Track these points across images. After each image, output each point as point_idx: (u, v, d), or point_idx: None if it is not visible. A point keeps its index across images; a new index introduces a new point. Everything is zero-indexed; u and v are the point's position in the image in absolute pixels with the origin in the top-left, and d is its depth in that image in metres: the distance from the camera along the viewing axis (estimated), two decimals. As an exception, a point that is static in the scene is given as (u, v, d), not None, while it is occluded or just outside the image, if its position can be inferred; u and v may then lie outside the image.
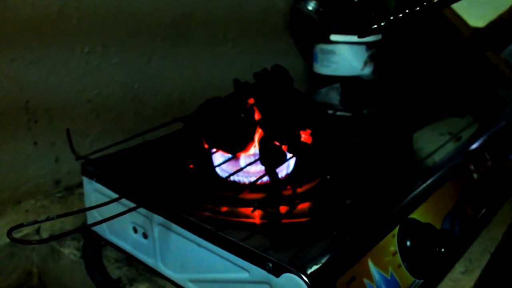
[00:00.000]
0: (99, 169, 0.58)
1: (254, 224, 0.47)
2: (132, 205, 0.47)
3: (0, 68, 0.62)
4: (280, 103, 0.55)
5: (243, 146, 0.54)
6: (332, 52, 1.02)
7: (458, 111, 0.84)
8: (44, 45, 0.66)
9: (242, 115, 0.53)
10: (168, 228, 0.49)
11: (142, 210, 0.51)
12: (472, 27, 1.00)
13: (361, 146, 0.66)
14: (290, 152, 0.53)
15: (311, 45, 1.05)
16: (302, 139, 0.55)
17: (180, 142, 0.63)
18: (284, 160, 0.53)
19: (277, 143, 0.53)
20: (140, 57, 0.78)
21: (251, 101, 0.56)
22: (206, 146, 0.56)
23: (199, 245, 0.46)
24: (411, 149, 0.69)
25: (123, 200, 0.51)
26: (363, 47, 1.01)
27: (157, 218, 0.50)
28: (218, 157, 0.56)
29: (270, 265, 0.40)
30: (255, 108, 0.54)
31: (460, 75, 1.00)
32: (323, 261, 0.40)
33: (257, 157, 0.54)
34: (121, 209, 0.46)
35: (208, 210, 0.48)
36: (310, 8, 1.00)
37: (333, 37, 0.99)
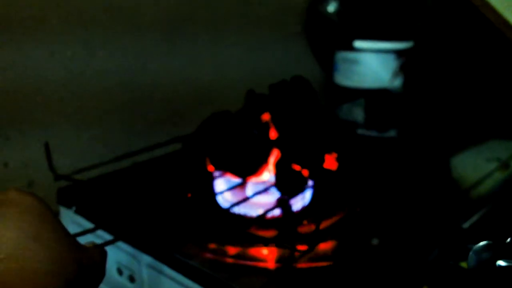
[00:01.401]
0: (78, 196, 0.57)
1: (265, 269, 0.44)
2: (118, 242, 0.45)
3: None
4: (301, 119, 0.53)
5: (255, 169, 0.52)
6: (355, 61, 1.00)
7: (505, 132, 0.82)
8: (20, 49, 0.64)
9: (255, 132, 0.52)
10: (160, 271, 0.47)
11: (128, 248, 0.49)
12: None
13: (388, 174, 0.64)
14: (312, 179, 0.51)
15: (331, 52, 1.04)
16: (326, 164, 0.53)
17: (176, 165, 0.61)
18: (304, 187, 0.51)
19: (297, 167, 0.51)
20: (132, 63, 0.76)
21: (266, 116, 0.54)
22: (211, 168, 0.54)
23: (197, 293, 0.44)
24: (449, 177, 0.66)
25: (105, 235, 0.49)
26: (392, 56, 0.99)
27: (146, 258, 0.48)
28: (222, 184, 0.54)
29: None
30: (270, 124, 0.52)
31: (508, 91, 0.98)
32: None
33: (267, 185, 0.52)
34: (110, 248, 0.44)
35: (209, 251, 0.46)
36: (330, 8, 0.99)
37: (357, 44, 0.98)
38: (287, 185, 0.51)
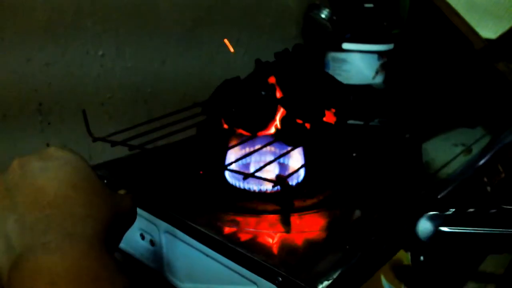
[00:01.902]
0: (108, 173, 0.56)
1: (263, 235, 0.43)
2: (140, 210, 0.45)
3: (15, 69, 0.59)
4: (302, 81, 0.51)
5: (264, 125, 0.50)
6: (344, 61, 0.98)
7: (469, 121, 0.80)
8: (60, 47, 0.63)
9: (263, 92, 0.50)
10: (175, 236, 0.46)
11: (149, 216, 0.48)
12: (484, 38, 0.96)
13: (372, 156, 0.62)
14: (313, 131, 0.49)
15: (323, 53, 1.02)
16: (326, 118, 0.52)
17: (191, 148, 0.60)
18: (307, 138, 0.49)
19: (299, 122, 0.49)
20: (154, 61, 0.75)
21: (272, 80, 0.52)
22: (225, 126, 0.52)
23: (206, 255, 0.43)
24: (420, 159, 0.65)
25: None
26: (375, 56, 0.97)
27: (164, 225, 0.47)
28: (231, 158, 0.53)
29: (280, 279, 0.37)
30: (276, 86, 0.51)
31: (472, 86, 0.96)
32: (335, 276, 0.37)
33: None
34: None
35: (217, 220, 0.45)
36: (323, 16, 0.97)
37: (345, 46, 0.96)
38: (291, 137, 0.49)
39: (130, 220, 0.38)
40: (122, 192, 0.39)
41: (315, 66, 0.55)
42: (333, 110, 0.53)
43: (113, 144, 0.54)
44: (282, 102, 0.50)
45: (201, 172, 0.54)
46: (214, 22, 0.83)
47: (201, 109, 0.57)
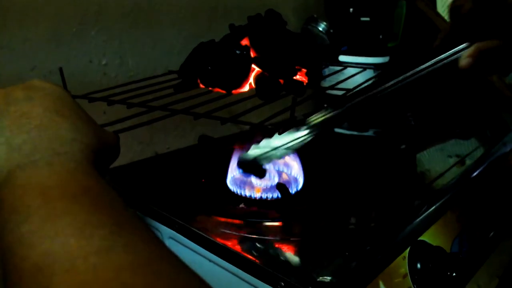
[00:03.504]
0: (110, 180, 0.56)
1: (266, 241, 0.44)
2: (143, 216, 0.45)
3: (21, 76, 0.60)
4: (275, 42, 0.52)
5: (239, 83, 0.51)
6: (340, 73, 1.00)
7: (463, 133, 0.82)
8: (64, 55, 0.64)
9: (238, 52, 0.51)
10: (179, 242, 0.47)
11: (153, 222, 0.49)
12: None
13: (367, 166, 0.64)
14: (286, 88, 0.50)
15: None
16: (298, 78, 0.53)
17: (192, 157, 0.61)
18: (280, 91, 0.50)
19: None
20: (156, 70, 0.76)
21: (246, 41, 0.53)
22: (201, 86, 0.53)
23: (209, 260, 0.44)
24: (414, 170, 0.66)
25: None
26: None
27: (168, 231, 0.48)
28: (232, 170, 0.54)
29: (282, 284, 0.38)
30: (250, 47, 0.51)
31: (465, 99, 0.98)
32: (335, 281, 0.38)
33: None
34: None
35: (221, 226, 0.46)
36: (320, 29, 0.99)
37: (342, 58, 0.98)
38: (266, 92, 0.49)
39: (113, 155, 0.37)
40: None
41: (286, 29, 0.55)
42: (304, 71, 0.54)
43: (91, 100, 0.53)
44: (256, 60, 0.51)
45: (203, 181, 0.55)
46: (214, 32, 0.84)
47: (178, 73, 0.57)
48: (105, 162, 0.36)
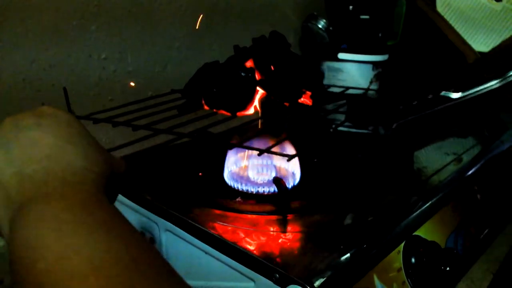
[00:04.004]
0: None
1: (262, 234, 0.45)
2: (140, 209, 0.46)
3: (20, 70, 0.60)
4: (280, 64, 0.52)
5: (244, 105, 0.51)
6: (339, 70, 1.00)
7: (460, 132, 0.82)
8: (64, 49, 0.64)
9: (243, 74, 0.51)
10: (175, 234, 0.47)
11: (150, 214, 0.50)
12: (477, 51, 0.98)
13: (365, 164, 0.64)
14: (292, 109, 0.51)
15: (319, 62, 1.04)
16: (303, 101, 0.53)
17: (189, 151, 0.61)
18: (286, 115, 0.50)
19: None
20: (156, 65, 0.77)
21: (250, 63, 0.53)
22: (206, 107, 0.53)
23: (205, 252, 0.44)
24: (411, 166, 0.67)
25: (131, 203, 0.49)
26: (370, 66, 1.00)
27: (165, 223, 0.48)
28: (231, 164, 0.55)
29: (277, 276, 0.38)
30: (255, 69, 0.52)
31: (464, 98, 0.99)
32: (329, 274, 0.38)
33: (266, 167, 0.52)
34: (128, 211, 0.44)
35: (218, 218, 0.47)
36: (320, 26, 0.99)
37: (341, 56, 0.98)
38: (271, 115, 0.50)
39: (121, 184, 0.37)
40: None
41: (290, 52, 0.56)
42: (309, 93, 0.54)
43: (96, 121, 0.53)
44: (261, 83, 0.51)
45: (200, 174, 0.56)
46: (214, 30, 0.85)
47: (181, 92, 0.57)
48: (114, 188, 0.36)
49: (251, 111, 0.52)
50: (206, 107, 0.53)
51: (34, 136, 0.31)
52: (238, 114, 0.52)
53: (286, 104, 0.50)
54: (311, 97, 0.54)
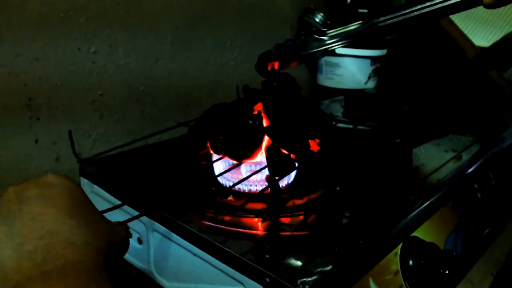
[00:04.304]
0: (98, 171, 0.55)
1: (252, 236, 0.43)
2: (132, 211, 0.44)
3: (4, 63, 0.58)
4: (289, 111, 0.52)
5: (250, 153, 0.51)
6: (337, 65, 0.98)
7: (459, 129, 0.81)
8: (51, 42, 0.62)
9: (250, 122, 0.50)
10: (164, 235, 0.46)
11: (135, 213, 0.48)
12: (477, 46, 0.97)
13: (362, 160, 0.62)
14: (298, 161, 0.50)
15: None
16: (310, 148, 0.52)
17: (182, 148, 0.59)
18: (293, 168, 0.50)
19: (285, 152, 0.49)
20: (147, 60, 0.75)
21: (259, 107, 0.52)
22: (211, 151, 0.53)
23: (194, 254, 0.43)
24: (410, 164, 0.65)
25: (118, 202, 0.47)
26: (368, 61, 0.98)
27: (153, 224, 0.47)
28: (220, 164, 0.53)
29: (267, 280, 0.37)
30: (263, 114, 0.51)
31: (463, 93, 0.97)
32: (322, 278, 0.37)
33: (259, 166, 0.51)
34: (116, 211, 0.42)
35: (207, 219, 0.45)
36: (317, 20, 0.97)
37: (339, 50, 0.96)
38: (277, 167, 0.49)
39: (124, 249, 0.37)
40: (115, 222, 0.38)
41: (300, 96, 0.56)
42: (317, 140, 0.53)
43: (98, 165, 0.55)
44: (268, 131, 0.50)
45: (190, 172, 0.54)
46: (208, 23, 0.83)
47: (188, 132, 0.57)
48: (116, 257, 0.36)
49: (257, 158, 0.51)
50: (211, 151, 0.52)
51: (37, 209, 0.31)
52: (244, 161, 0.51)
53: (293, 156, 0.50)
54: (319, 144, 0.53)
